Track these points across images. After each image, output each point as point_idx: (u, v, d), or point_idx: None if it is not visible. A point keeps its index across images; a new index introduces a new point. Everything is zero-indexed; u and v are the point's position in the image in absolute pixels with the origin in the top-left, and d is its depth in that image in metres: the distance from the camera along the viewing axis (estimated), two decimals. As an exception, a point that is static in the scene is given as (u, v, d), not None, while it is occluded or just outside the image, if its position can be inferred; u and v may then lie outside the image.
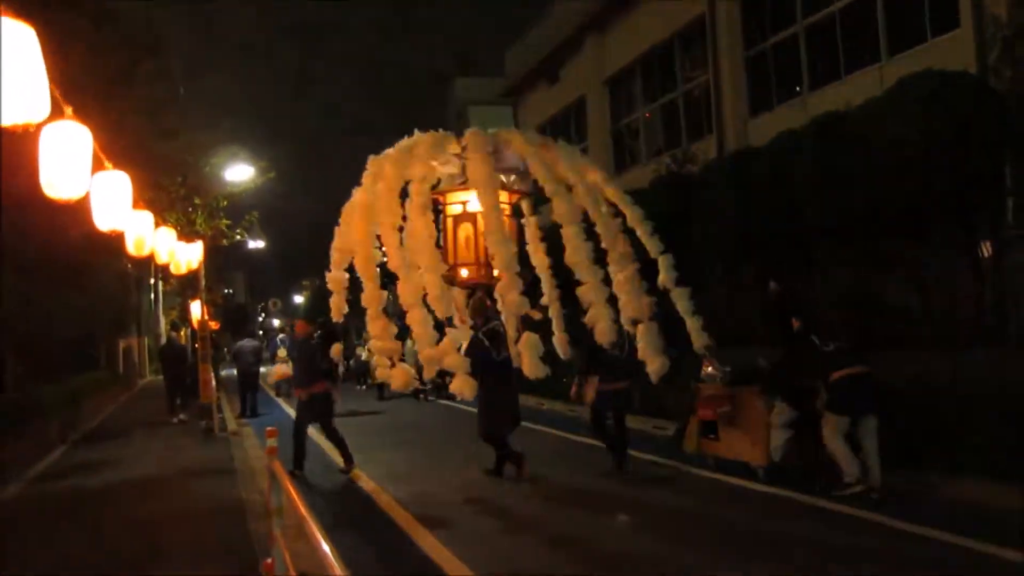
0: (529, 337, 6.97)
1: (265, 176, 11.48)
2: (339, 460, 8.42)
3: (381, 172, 7.56)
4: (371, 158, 7.83)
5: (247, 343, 15.40)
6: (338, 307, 7.84)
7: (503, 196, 7.52)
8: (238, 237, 11.34)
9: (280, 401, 18.24)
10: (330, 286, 7.93)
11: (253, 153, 11.18)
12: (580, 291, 7.17)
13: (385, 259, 7.51)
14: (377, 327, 7.34)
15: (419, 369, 7.18)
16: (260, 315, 61.11)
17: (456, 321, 7.87)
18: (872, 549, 5.03)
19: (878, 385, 6.39)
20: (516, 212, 8.51)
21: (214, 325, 25.71)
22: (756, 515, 6.01)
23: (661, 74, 16.27)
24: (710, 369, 7.62)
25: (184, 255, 10.02)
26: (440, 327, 7.38)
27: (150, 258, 8.46)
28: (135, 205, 5.76)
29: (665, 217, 12.37)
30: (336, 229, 7.93)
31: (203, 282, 12.28)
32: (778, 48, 12.88)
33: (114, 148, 7.18)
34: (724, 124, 13.58)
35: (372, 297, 7.31)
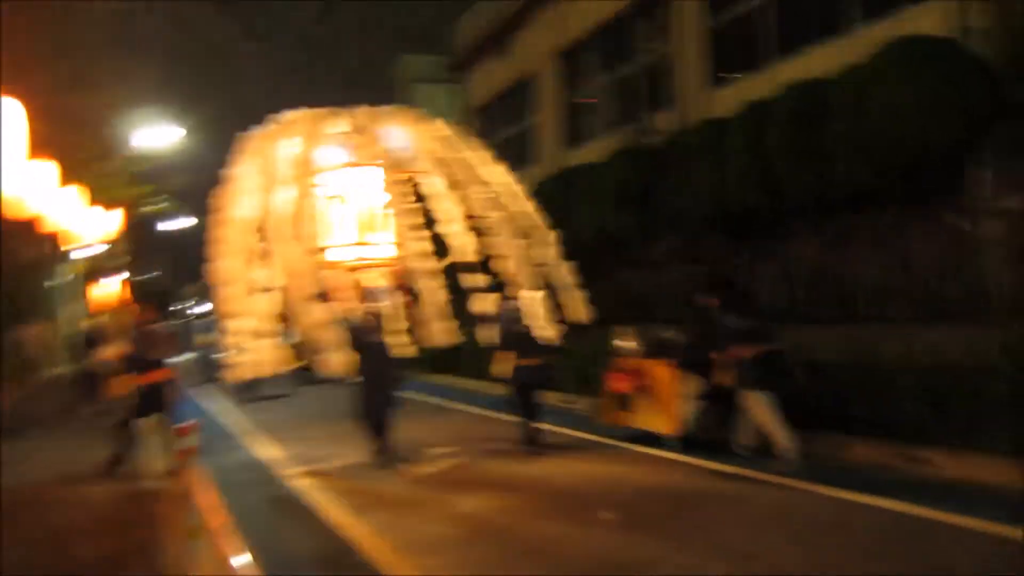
0: (440, 306, 7.36)
1: (193, 137, 10.32)
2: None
3: (255, 149, 7.40)
4: (241, 136, 7.59)
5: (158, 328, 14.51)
6: (234, 298, 7.33)
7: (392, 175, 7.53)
8: (164, 205, 10.16)
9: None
10: (214, 279, 7.47)
11: (181, 115, 9.98)
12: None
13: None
14: (256, 305, 7.09)
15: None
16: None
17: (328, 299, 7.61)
18: (779, 508, 5.33)
19: (786, 362, 6.74)
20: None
21: (138, 311, 24.16)
22: (666, 483, 6.25)
23: (618, 45, 15.61)
24: (625, 344, 7.88)
25: (97, 223, 8.96)
26: None
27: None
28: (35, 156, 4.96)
29: (627, 188, 11.90)
30: (214, 217, 7.58)
31: (123, 257, 11.13)
32: (742, 17, 12.33)
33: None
34: (686, 95, 13.01)
35: (247, 274, 7.16)
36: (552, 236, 7.86)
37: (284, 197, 7.12)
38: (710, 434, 7.10)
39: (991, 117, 7.26)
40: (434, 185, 7.67)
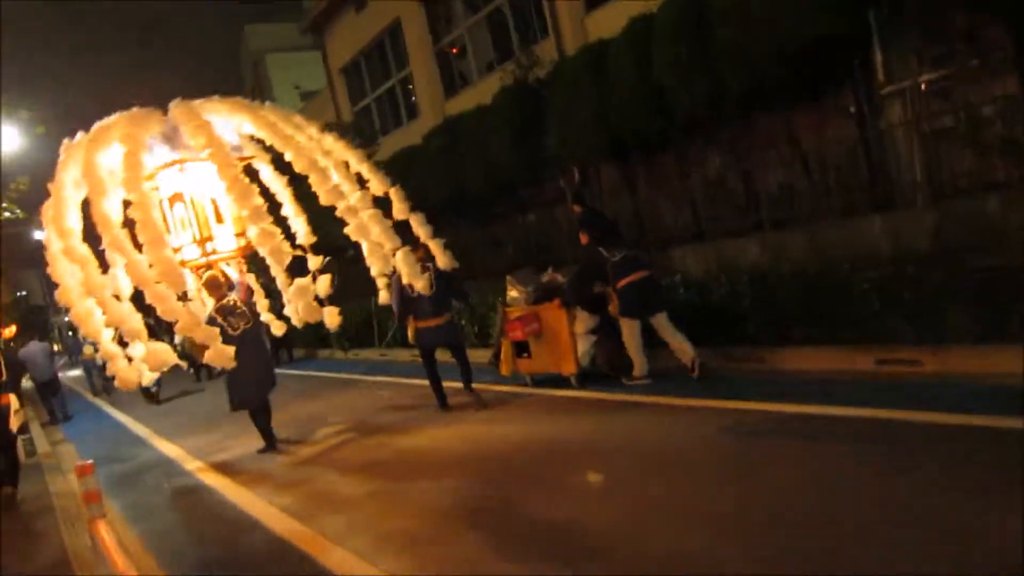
0: (298, 284, 7.29)
1: (34, 132, 8.97)
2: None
3: (76, 157, 7.09)
4: (65, 143, 7.37)
5: (34, 345, 14.11)
6: (89, 321, 7.06)
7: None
8: (7, 214, 8.86)
9: (99, 402, 16.30)
10: (62, 302, 7.24)
11: (15, 105, 8.66)
12: (348, 231, 7.46)
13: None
14: (114, 313, 6.85)
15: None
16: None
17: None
18: (668, 427, 5.50)
19: (660, 285, 7.09)
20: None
21: (8, 332, 22.00)
22: (573, 419, 6.36)
23: (480, -20, 15.01)
24: (514, 292, 7.93)
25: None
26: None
27: None
28: None
29: (513, 128, 11.50)
30: (43, 236, 7.35)
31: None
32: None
33: None
34: (560, 24, 12.63)
35: (95, 283, 6.84)
36: (398, 193, 7.93)
37: (115, 203, 7.00)
38: (605, 366, 7.27)
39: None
40: (266, 170, 7.73)
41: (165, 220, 7.45)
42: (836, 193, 7.81)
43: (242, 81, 41.44)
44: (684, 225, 9.93)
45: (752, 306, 6.59)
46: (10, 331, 22.59)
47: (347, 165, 7.85)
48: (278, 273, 7.40)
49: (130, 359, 7.16)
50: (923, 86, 7.21)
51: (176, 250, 7.36)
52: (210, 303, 7.50)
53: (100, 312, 6.98)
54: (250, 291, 7.82)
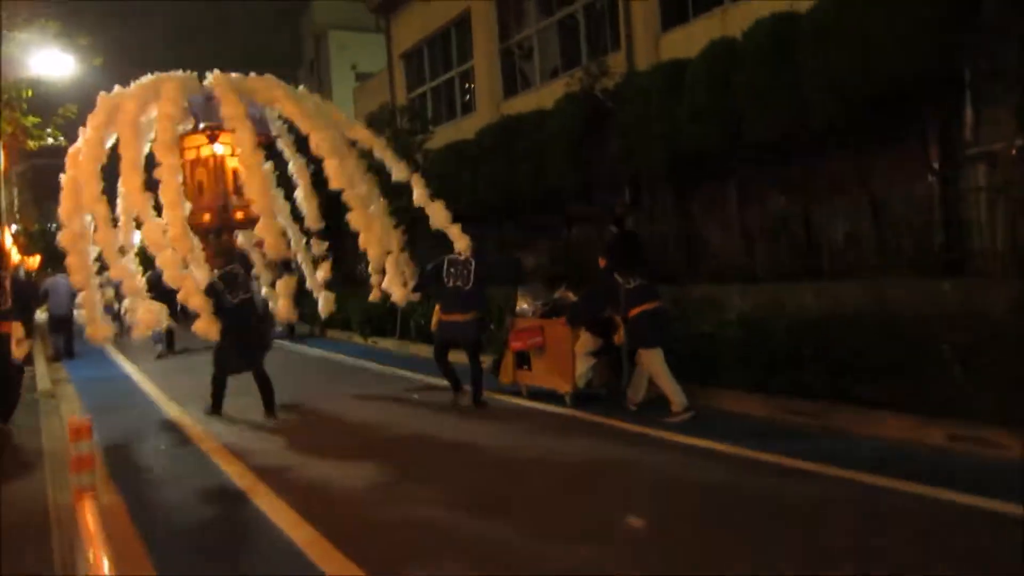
0: (285, 282, 7.58)
1: (91, 62, 8.77)
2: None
3: (115, 110, 7.29)
4: (102, 95, 7.57)
5: (60, 278, 13.00)
6: (82, 268, 7.14)
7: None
8: (51, 140, 8.69)
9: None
10: (63, 244, 7.19)
11: (74, 34, 8.43)
12: (350, 217, 7.68)
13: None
14: (118, 269, 7.04)
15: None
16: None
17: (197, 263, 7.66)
18: (660, 462, 5.43)
19: (669, 319, 7.00)
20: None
21: (31, 262, 21.99)
22: (561, 438, 6.33)
23: (558, -16, 14.75)
24: (523, 304, 8.05)
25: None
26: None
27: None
28: None
29: (572, 137, 11.17)
30: (63, 177, 7.37)
31: (6, 198, 9.66)
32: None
33: None
34: (634, 39, 12.33)
35: (105, 236, 7.03)
36: (419, 180, 8.28)
37: (158, 156, 7.08)
38: (601, 390, 7.36)
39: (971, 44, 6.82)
40: (318, 141, 7.67)
41: (187, 183, 7.63)
42: (905, 250, 7.39)
43: (301, 54, 41.62)
44: (735, 260, 9.54)
45: (810, 355, 6.17)
46: (34, 260, 22.60)
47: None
48: (274, 254, 7.38)
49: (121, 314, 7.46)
50: (1014, 151, 6.80)
51: (192, 214, 7.57)
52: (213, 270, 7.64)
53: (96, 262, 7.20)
54: (250, 263, 7.97)
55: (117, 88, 7.51)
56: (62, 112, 8.57)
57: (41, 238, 24.43)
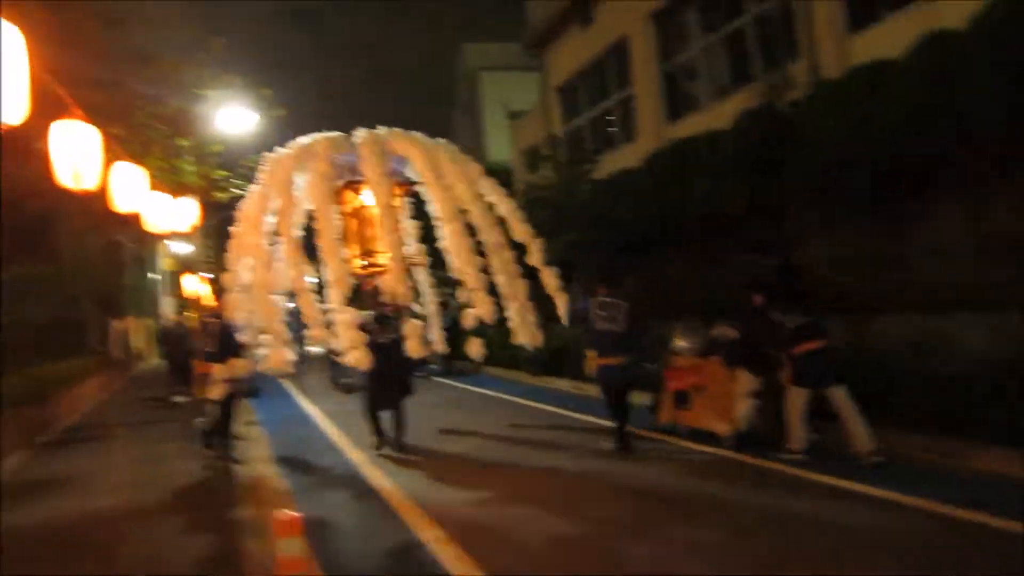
0: (413, 324, 7.99)
1: (273, 114, 9.16)
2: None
3: (279, 169, 8.17)
4: (267, 156, 8.44)
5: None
6: (239, 304, 8.05)
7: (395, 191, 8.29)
8: (237, 192, 9.11)
9: (285, 383, 16.45)
10: (227, 283, 8.17)
11: (255, 89, 8.83)
12: (465, 277, 8.16)
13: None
14: (268, 309, 7.78)
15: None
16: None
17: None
18: (826, 513, 5.04)
19: (837, 357, 6.60)
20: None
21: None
22: (720, 483, 6.05)
23: (724, -2, 13.94)
24: (681, 341, 7.94)
25: (174, 215, 7.94)
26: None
27: (149, 232, 8.51)
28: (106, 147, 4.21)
29: (752, 156, 10.28)
30: (233, 228, 8.35)
31: (201, 249, 10.17)
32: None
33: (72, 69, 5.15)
34: (817, 45, 11.29)
35: (264, 282, 7.88)
36: (537, 245, 8.76)
37: (316, 209, 7.89)
38: (764, 432, 6.96)
39: None
40: (432, 201, 8.44)
41: (347, 232, 8.52)
42: None
43: (455, 97, 42.97)
44: (959, 285, 8.24)
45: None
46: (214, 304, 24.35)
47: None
48: (402, 301, 7.99)
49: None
50: None
51: (347, 260, 8.26)
52: (366, 311, 8.15)
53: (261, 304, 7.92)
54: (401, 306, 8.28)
55: (279, 150, 8.45)
56: (246, 163, 8.92)
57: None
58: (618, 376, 7.48)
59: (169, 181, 7.81)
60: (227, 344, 7.67)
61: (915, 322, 7.95)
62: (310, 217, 8.06)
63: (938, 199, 8.51)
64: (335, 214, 7.96)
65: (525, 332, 8.64)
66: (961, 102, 7.21)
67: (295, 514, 2.61)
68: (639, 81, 16.28)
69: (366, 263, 8.62)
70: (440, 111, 41.22)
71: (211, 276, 23.38)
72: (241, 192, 9.11)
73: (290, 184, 8.04)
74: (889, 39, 9.13)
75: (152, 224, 6.97)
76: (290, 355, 7.87)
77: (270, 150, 8.63)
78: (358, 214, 8.73)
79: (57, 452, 8.59)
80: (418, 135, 8.81)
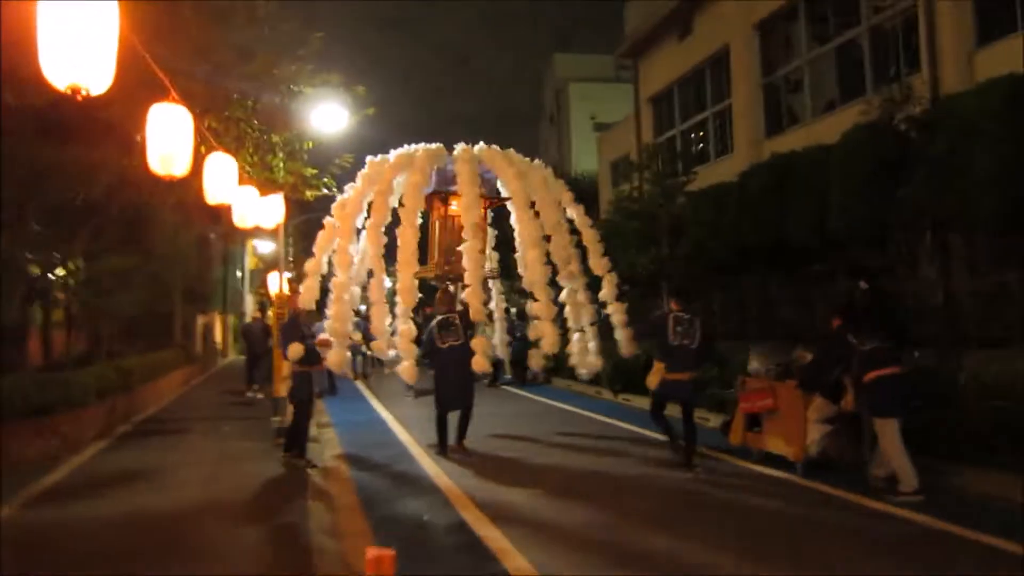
0: (480, 341, 8.21)
1: (364, 113, 9.02)
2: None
3: (378, 175, 8.50)
4: (370, 159, 8.75)
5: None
6: (311, 291, 8.29)
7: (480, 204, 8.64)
8: (326, 190, 9.01)
9: (359, 384, 16.71)
10: (307, 270, 8.50)
11: (350, 87, 8.71)
12: (534, 306, 8.30)
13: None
14: (337, 311, 8.20)
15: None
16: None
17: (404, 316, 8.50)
18: (899, 544, 4.96)
19: (913, 384, 6.40)
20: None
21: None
22: (788, 509, 5.88)
23: (835, 7, 13.19)
24: (756, 364, 7.83)
25: (260, 211, 7.87)
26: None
27: (237, 228, 8.52)
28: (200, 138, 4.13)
29: (867, 172, 9.57)
30: (326, 219, 8.68)
31: (283, 247, 10.14)
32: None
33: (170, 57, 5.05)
34: (940, 58, 10.48)
35: (341, 284, 8.25)
36: (612, 279, 9.00)
37: (403, 218, 8.14)
38: (838, 459, 6.81)
39: None
40: (522, 230, 8.59)
41: (431, 238, 8.96)
42: None
43: (542, 107, 42.83)
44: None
45: None
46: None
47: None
48: (476, 316, 8.10)
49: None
50: None
51: (428, 266, 8.86)
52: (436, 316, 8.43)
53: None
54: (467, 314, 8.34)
55: (380, 156, 8.71)
56: (338, 162, 8.80)
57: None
58: (686, 392, 7.53)
59: (259, 176, 7.72)
60: (292, 340, 7.50)
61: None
62: (394, 225, 8.32)
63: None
64: (418, 222, 8.23)
65: (583, 361, 9.06)
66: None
67: (386, 551, 2.28)
68: (737, 93, 15.63)
69: (444, 269, 8.93)
70: (528, 121, 41.09)
71: (292, 276, 23.75)
72: (329, 192, 9.00)
73: (388, 190, 8.34)
74: (1011, 57, 8.34)
75: (240, 218, 6.86)
76: (348, 357, 8.33)
77: (360, 150, 8.54)
78: (444, 223, 9.09)
79: (135, 444, 8.59)
80: (514, 154, 9.05)
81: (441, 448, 8.11)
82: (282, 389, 8.58)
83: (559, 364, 9.90)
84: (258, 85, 7.07)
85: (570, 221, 9.15)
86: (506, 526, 5.30)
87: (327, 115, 9.15)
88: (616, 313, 8.66)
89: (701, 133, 17.72)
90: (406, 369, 7.88)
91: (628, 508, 5.92)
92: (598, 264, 9.01)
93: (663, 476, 7.02)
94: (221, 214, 8.17)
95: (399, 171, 8.45)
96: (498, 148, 8.90)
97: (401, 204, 8.25)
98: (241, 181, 6.93)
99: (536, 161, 9.40)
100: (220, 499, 5.98)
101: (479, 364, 8.04)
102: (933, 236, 9.30)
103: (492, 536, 5.09)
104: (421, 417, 10.18)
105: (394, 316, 8.51)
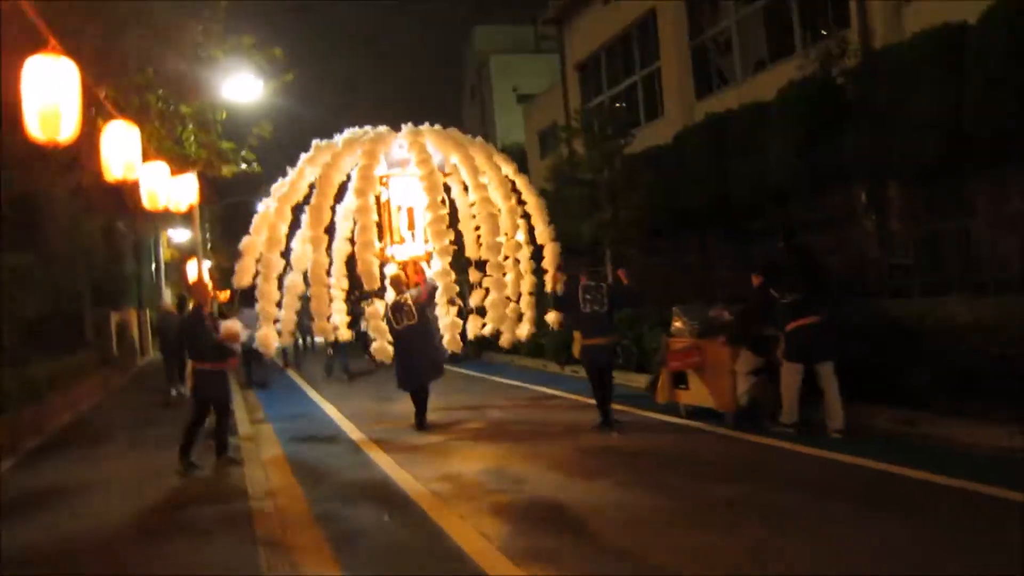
0: (453, 320, 8.58)
1: (282, 78, 8.14)
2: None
3: (322, 157, 8.66)
4: (315, 143, 8.89)
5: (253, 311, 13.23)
6: (247, 270, 8.55)
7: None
8: (244, 166, 8.19)
9: (289, 372, 16.27)
10: (243, 249, 8.70)
11: (266, 49, 7.83)
12: (487, 281, 8.91)
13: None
14: (265, 290, 8.38)
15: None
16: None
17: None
18: (829, 483, 5.27)
19: (836, 332, 6.74)
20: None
21: (222, 296, 22.81)
22: (721, 458, 6.29)
23: (762, -34, 13.03)
24: (679, 324, 8.09)
25: (172, 190, 7.13)
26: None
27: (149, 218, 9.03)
28: (86, 102, 3.89)
29: (806, 129, 9.44)
30: (264, 201, 8.87)
31: (201, 232, 9.36)
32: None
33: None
34: (869, 13, 10.43)
35: (271, 264, 8.42)
36: (555, 248, 9.27)
37: (356, 198, 8.40)
38: (767, 407, 7.15)
39: None
40: (481, 206, 8.85)
41: (379, 222, 8.93)
42: None
43: (463, 82, 42.01)
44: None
45: None
46: (225, 295, 23.43)
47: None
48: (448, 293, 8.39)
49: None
50: None
51: (380, 250, 8.80)
52: (389, 298, 8.61)
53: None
54: (432, 292, 8.55)
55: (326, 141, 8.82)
56: (256, 132, 8.03)
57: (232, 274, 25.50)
58: (602, 356, 7.84)
59: (169, 152, 6.94)
60: (197, 336, 6.93)
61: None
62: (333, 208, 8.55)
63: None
64: (372, 209, 8.34)
65: (512, 329, 9.25)
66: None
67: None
68: (666, 56, 15.41)
69: (391, 254, 9.10)
70: (449, 98, 40.29)
71: (212, 265, 22.54)
72: (248, 167, 8.25)
73: (336, 172, 8.44)
74: (950, 5, 8.27)
75: (149, 198, 6.13)
76: (276, 338, 8.48)
77: (281, 123, 7.92)
78: (386, 207, 9.15)
79: (47, 460, 7.71)
80: (456, 131, 9.31)
81: (420, 422, 8.45)
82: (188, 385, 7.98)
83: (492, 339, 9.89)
84: (160, 48, 6.28)
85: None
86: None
87: (241, 84, 8.37)
88: (556, 284, 8.56)
89: (628, 99, 17.48)
90: (379, 348, 8.30)
91: (544, 459, 6.44)
92: (544, 232, 9.21)
93: (589, 435, 7.44)
94: (127, 199, 7.40)
95: (346, 153, 8.59)
96: (440, 127, 9.10)
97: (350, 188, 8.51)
98: (148, 157, 6.21)
99: (479, 139, 9.59)
100: (149, 520, 5.30)
101: (452, 344, 8.51)
102: (871, 187, 9.30)
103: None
104: (365, 413, 9.81)
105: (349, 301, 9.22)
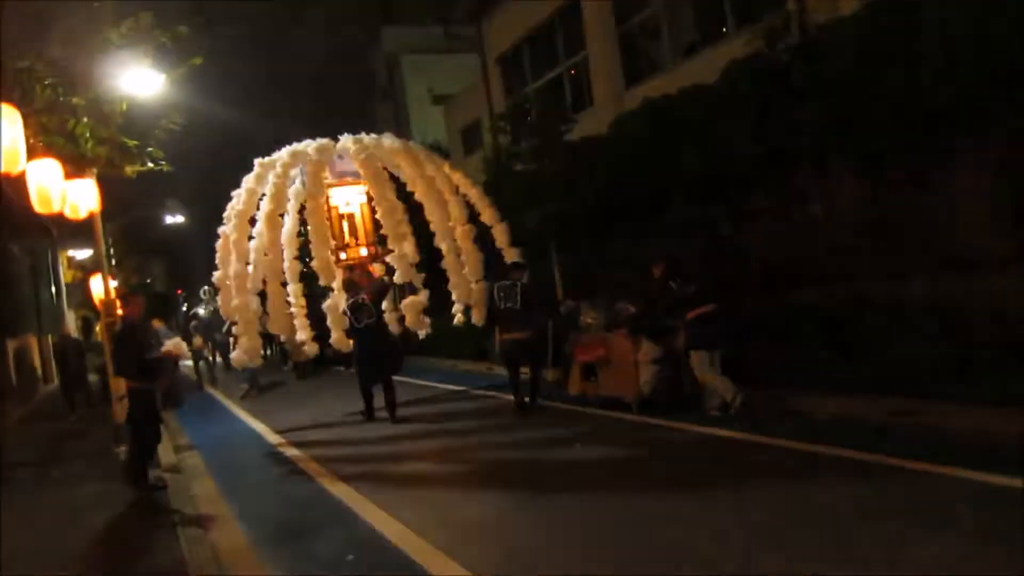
0: (412, 300, 9.50)
1: (189, 63, 7.11)
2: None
3: (269, 173, 9.19)
4: (258, 160, 9.45)
5: (162, 330, 12.57)
6: (229, 302, 9.04)
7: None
8: (151, 165, 7.16)
9: (210, 390, 15.66)
10: (217, 284, 9.43)
11: (165, 27, 6.87)
12: (444, 264, 9.89)
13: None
14: (244, 304, 8.77)
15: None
16: (184, 306, 55.23)
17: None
18: (725, 459, 5.83)
19: (728, 321, 7.42)
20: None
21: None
22: (630, 442, 6.75)
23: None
24: (587, 319, 8.56)
25: (66, 193, 6.19)
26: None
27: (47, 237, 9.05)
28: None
29: (753, 108, 9.17)
30: (220, 229, 9.49)
31: (102, 245, 8.34)
32: None
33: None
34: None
35: (245, 276, 8.84)
36: (503, 228, 10.00)
37: (308, 207, 9.28)
38: (668, 393, 7.65)
39: None
40: (430, 209, 9.89)
41: (334, 226, 9.64)
42: None
43: (373, 82, 40.79)
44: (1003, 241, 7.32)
45: None
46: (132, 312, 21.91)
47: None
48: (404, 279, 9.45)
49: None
50: None
51: (335, 251, 9.47)
52: (342, 299, 9.14)
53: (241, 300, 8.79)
54: (383, 291, 9.16)
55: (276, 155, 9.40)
56: (165, 123, 7.05)
57: (139, 290, 23.90)
58: (527, 349, 8.54)
59: (61, 149, 5.97)
60: (128, 353, 6.44)
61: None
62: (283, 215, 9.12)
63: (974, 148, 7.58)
64: (324, 212, 8.99)
65: (477, 302, 9.84)
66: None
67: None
68: (592, 45, 15.04)
69: (342, 257, 9.62)
70: (358, 97, 39.02)
71: (117, 284, 20.92)
72: (156, 166, 7.27)
73: (286, 183, 8.95)
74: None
75: (40, 200, 5.23)
76: (259, 347, 9.00)
77: (192, 118, 7.02)
78: (332, 213, 9.66)
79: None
80: (390, 136, 9.96)
81: (367, 414, 9.09)
82: (121, 412, 7.11)
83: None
84: (40, 28, 5.36)
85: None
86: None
87: (143, 74, 7.38)
88: (500, 234, 9.99)
89: (555, 91, 17.04)
90: (338, 339, 9.27)
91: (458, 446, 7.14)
92: (489, 215, 9.88)
93: (502, 424, 8.04)
94: (11, 208, 6.41)
95: (293, 165, 9.18)
96: (375, 136, 9.82)
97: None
98: (36, 154, 5.29)
99: (411, 141, 10.51)
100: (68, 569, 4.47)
101: (415, 323, 9.56)
102: (818, 168, 9.10)
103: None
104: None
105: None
